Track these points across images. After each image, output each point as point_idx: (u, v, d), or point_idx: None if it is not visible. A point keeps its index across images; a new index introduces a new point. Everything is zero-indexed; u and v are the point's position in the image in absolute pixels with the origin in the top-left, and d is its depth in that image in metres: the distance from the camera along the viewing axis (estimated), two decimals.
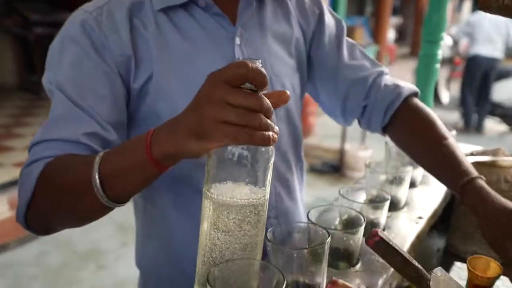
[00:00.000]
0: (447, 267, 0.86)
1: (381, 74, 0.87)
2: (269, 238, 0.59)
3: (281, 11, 0.84)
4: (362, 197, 0.85)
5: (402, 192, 0.87)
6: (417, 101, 0.87)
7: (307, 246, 0.67)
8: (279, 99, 0.52)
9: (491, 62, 4.99)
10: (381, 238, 0.53)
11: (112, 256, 2.55)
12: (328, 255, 0.60)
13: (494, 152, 0.97)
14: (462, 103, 5.29)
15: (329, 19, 0.89)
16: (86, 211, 0.60)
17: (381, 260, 0.69)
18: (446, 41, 5.75)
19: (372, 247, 0.54)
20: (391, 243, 0.53)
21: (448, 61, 5.67)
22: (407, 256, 0.54)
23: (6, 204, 2.64)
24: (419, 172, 0.96)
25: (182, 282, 0.78)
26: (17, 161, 3.23)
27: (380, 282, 0.64)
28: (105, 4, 0.69)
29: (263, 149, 0.49)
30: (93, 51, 0.67)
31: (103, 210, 0.58)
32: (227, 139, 0.45)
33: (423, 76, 1.17)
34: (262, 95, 0.46)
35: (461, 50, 5.56)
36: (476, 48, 5.01)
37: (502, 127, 5.31)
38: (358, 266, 0.69)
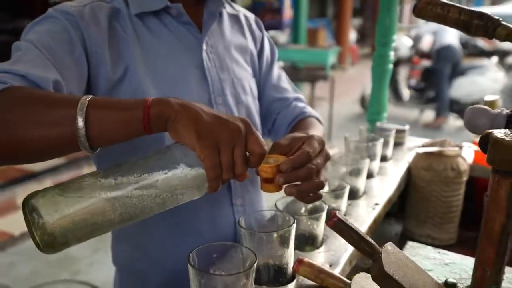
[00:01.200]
0: (402, 247, 0.96)
1: (298, 99, 1.00)
2: (241, 224, 0.66)
3: (237, 26, 0.94)
4: (325, 188, 0.93)
5: (361, 182, 0.95)
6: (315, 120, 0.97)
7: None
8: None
9: (459, 53, 5.32)
10: (339, 218, 0.61)
11: (85, 263, 2.55)
12: (295, 239, 0.67)
13: (442, 143, 1.07)
14: (438, 97, 5.48)
15: (267, 43, 1.01)
16: (53, 137, 0.54)
17: (342, 241, 0.78)
18: (405, 42, 6.01)
19: (332, 227, 0.61)
20: (347, 223, 0.61)
21: (407, 61, 5.91)
22: (362, 233, 0.62)
23: None
24: (376, 164, 1.06)
25: (157, 275, 0.84)
26: None
27: (341, 260, 0.72)
28: (87, 4, 0.74)
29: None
30: (72, 29, 0.69)
31: (69, 146, 0.55)
32: (208, 162, 0.55)
33: (378, 75, 1.27)
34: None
35: (425, 47, 5.81)
36: (448, 39, 5.33)
37: (459, 122, 5.58)
38: (322, 248, 0.76)
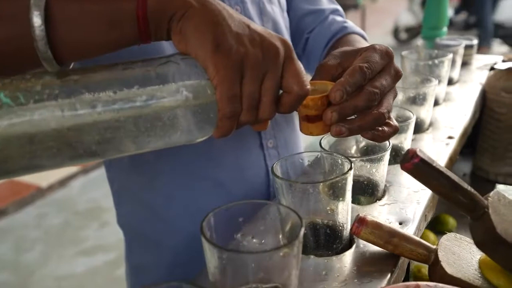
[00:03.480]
0: (483, 194, 0.76)
1: (336, 11, 0.77)
2: (275, 172, 0.47)
3: None
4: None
5: (426, 111, 0.74)
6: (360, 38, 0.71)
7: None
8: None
9: None
10: (422, 159, 0.41)
11: (114, 213, 2.48)
12: None
13: None
14: (480, 23, 4.95)
15: None
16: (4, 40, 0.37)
17: (411, 188, 0.58)
18: None
19: (410, 171, 0.41)
20: (434, 164, 0.41)
21: None
22: (456, 178, 0.42)
23: None
24: (442, 88, 0.83)
25: (170, 238, 0.66)
26: None
27: (413, 215, 0.53)
28: None
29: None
30: None
31: (23, 55, 0.37)
32: (224, 88, 0.37)
33: None
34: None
35: None
36: None
37: (503, 48, 5.11)
38: (385, 198, 0.57)
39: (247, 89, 0.38)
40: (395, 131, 0.48)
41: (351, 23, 0.74)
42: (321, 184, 0.46)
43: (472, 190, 0.42)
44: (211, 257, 0.37)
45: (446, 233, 0.49)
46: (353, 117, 0.46)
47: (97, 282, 2.02)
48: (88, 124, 0.35)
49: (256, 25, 0.40)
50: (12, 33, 0.36)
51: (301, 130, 0.48)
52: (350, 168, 0.46)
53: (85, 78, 0.36)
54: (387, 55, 0.48)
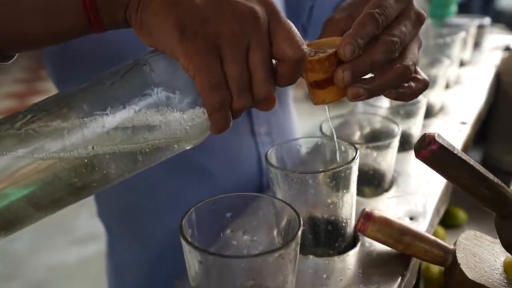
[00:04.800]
0: None
1: None
2: (269, 159, 0.41)
3: None
4: (386, 102, 0.67)
5: (437, 94, 0.68)
6: None
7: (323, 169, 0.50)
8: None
9: None
10: (441, 145, 0.35)
11: None
12: None
13: None
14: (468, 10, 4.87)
15: None
16: None
17: (421, 180, 0.52)
18: None
19: (427, 160, 0.35)
20: (455, 152, 0.35)
21: None
22: (481, 168, 0.35)
23: None
24: (454, 70, 0.77)
25: (156, 232, 0.60)
26: None
27: (425, 209, 0.47)
28: None
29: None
30: None
31: None
32: (202, 76, 0.30)
33: None
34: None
35: None
36: None
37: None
38: (393, 190, 0.51)
39: (231, 71, 0.31)
40: (426, 86, 0.40)
41: None
42: (322, 174, 0.40)
43: (500, 182, 0.35)
44: (192, 261, 0.31)
45: (457, 228, 0.43)
46: (370, 75, 0.38)
47: (89, 272, 1.97)
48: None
49: None
50: None
51: (312, 100, 0.39)
52: (356, 156, 0.40)
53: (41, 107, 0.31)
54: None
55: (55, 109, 0.31)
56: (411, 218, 0.46)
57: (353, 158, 0.40)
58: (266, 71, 0.32)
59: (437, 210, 0.49)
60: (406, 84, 0.39)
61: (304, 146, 0.49)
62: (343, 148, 0.44)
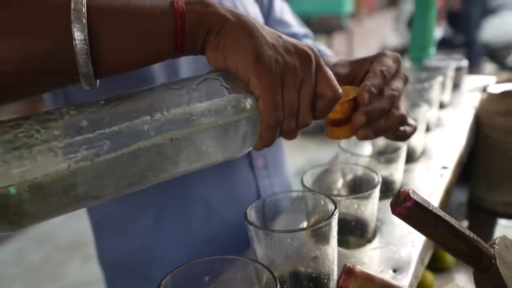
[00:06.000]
0: (483, 226, 0.70)
1: (307, 35, 0.79)
2: (249, 218, 0.41)
3: None
4: (367, 150, 0.67)
5: (418, 138, 0.69)
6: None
7: (305, 223, 0.50)
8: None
9: None
10: (416, 202, 0.35)
11: None
12: None
13: None
14: (469, 44, 4.95)
15: None
16: (25, 57, 0.33)
17: (405, 229, 0.52)
18: None
19: (403, 217, 0.36)
20: (430, 208, 0.35)
21: None
22: (456, 224, 0.36)
23: None
24: (433, 113, 0.78)
25: (158, 270, 0.61)
26: None
27: (411, 259, 0.47)
28: None
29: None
30: None
31: (54, 72, 0.34)
32: (268, 96, 0.37)
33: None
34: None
35: None
36: None
37: (490, 67, 5.14)
38: (376, 241, 0.51)
39: (288, 97, 0.38)
40: (415, 129, 0.53)
41: (323, 46, 0.75)
42: (303, 231, 0.40)
43: (476, 237, 0.36)
44: None
45: (446, 271, 0.43)
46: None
47: None
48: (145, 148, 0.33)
49: (285, 35, 0.41)
50: (43, 47, 0.33)
51: (327, 134, 0.49)
52: (334, 212, 0.40)
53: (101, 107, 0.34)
54: (397, 60, 0.51)
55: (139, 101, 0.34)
56: (394, 271, 0.46)
57: (332, 214, 0.40)
58: (311, 104, 0.40)
59: (421, 259, 0.49)
60: (402, 128, 0.51)
61: (285, 200, 0.50)
62: (322, 202, 0.44)
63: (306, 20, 4.84)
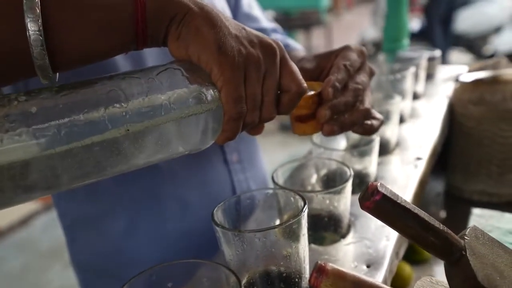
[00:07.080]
0: (460, 216, 0.70)
1: (276, 30, 0.78)
2: (215, 218, 0.39)
3: None
4: (342, 144, 0.67)
5: (391, 130, 0.68)
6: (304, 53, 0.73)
7: (277, 221, 0.48)
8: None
9: None
10: (384, 195, 0.34)
11: None
12: (308, 228, 0.41)
13: (495, 65, 0.79)
14: (430, 36, 5.05)
15: None
16: None
17: (379, 222, 0.51)
18: None
19: (372, 211, 0.35)
20: (398, 201, 0.35)
21: None
22: (426, 216, 0.35)
23: None
24: (407, 104, 0.78)
25: (133, 271, 0.59)
26: None
27: (385, 254, 0.46)
28: None
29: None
30: None
31: (14, 65, 0.33)
32: (230, 89, 0.36)
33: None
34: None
35: None
36: None
37: (466, 57, 5.21)
38: (350, 236, 0.50)
39: (251, 89, 0.38)
40: (382, 123, 0.52)
41: (292, 40, 0.75)
42: (272, 230, 0.38)
43: (446, 229, 0.35)
44: None
45: (423, 263, 0.42)
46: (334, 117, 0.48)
47: None
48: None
49: (249, 28, 0.40)
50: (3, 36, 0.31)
51: (293, 131, 0.48)
52: (303, 209, 0.39)
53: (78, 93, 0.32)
54: (362, 54, 0.51)
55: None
56: (368, 266, 0.45)
57: (300, 211, 0.39)
58: (275, 97, 0.39)
59: (395, 253, 0.48)
60: (368, 122, 0.50)
61: (256, 198, 0.48)
62: (292, 199, 0.43)
63: (285, 15, 4.86)
